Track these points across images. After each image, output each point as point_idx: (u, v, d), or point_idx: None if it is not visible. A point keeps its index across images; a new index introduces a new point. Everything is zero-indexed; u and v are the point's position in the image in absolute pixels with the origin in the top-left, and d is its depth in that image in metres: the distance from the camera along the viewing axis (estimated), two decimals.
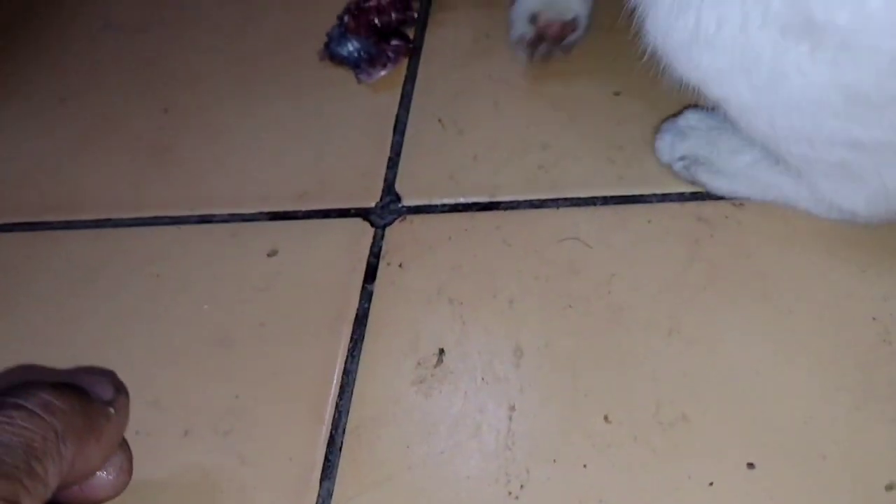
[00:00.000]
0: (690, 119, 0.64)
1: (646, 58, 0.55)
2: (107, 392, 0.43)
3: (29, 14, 0.99)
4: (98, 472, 0.43)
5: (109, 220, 0.76)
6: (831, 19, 0.43)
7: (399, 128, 0.77)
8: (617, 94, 0.73)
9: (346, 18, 0.80)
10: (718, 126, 0.62)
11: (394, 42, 0.81)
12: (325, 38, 0.84)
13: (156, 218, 0.75)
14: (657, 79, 0.71)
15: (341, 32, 0.81)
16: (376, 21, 0.81)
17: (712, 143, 0.62)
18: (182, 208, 0.75)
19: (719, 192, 0.63)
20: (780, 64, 0.46)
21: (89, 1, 0.99)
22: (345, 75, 0.81)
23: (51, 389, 0.38)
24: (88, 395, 0.42)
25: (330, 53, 0.81)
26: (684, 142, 0.63)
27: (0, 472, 0.33)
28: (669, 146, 0.64)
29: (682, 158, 0.63)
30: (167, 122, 0.83)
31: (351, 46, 0.80)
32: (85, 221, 0.76)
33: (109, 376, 0.47)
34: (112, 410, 0.43)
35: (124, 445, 0.45)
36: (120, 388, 0.45)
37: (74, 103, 0.88)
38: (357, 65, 0.80)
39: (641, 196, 0.66)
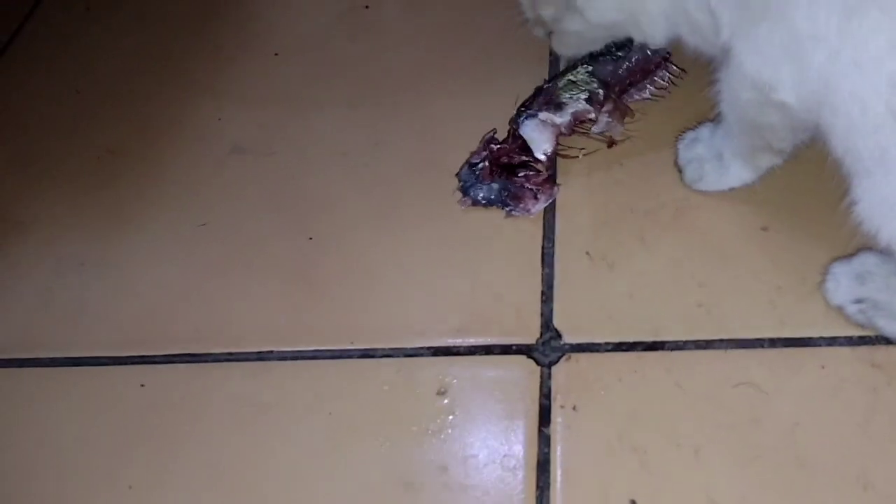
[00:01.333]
0: (868, 263, 0.67)
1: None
2: None
3: (150, 137, 1.02)
4: None
5: (272, 352, 0.78)
6: None
7: (547, 260, 0.79)
8: (765, 229, 0.76)
9: (480, 165, 0.83)
10: None
11: (522, 174, 0.84)
12: (453, 170, 0.87)
13: (317, 351, 0.77)
14: (802, 216, 0.75)
15: (476, 177, 0.84)
16: (504, 161, 0.85)
17: (892, 288, 0.64)
18: (342, 342, 0.77)
19: (894, 338, 0.65)
20: None
21: (212, 123, 1.02)
22: (481, 212, 0.84)
23: None
24: None
25: (473, 199, 0.84)
26: (863, 286, 0.66)
27: None
28: (845, 289, 0.67)
29: (858, 301, 0.66)
30: (311, 249, 0.86)
31: (491, 189, 0.83)
32: (247, 354, 0.78)
33: None
34: None
35: None
36: None
37: (213, 228, 0.91)
38: (504, 203, 0.83)
39: (809, 339, 0.68)
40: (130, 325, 0.82)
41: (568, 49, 0.86)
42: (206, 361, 0.79)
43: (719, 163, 0.77)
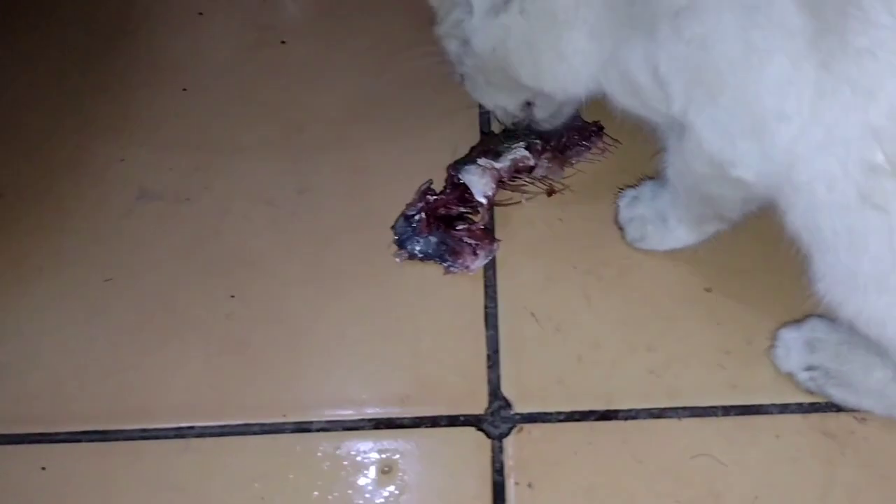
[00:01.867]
0: (817, 330, 0.67)
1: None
2: None
3: (46, 178, 0.91)
4: None
5: (192, 428, 0.71)
6: None
7: (490, 321, 0.76)
8: (708, 290, 0.76)
9: (416, 217, 0.80)
10: (848, 340, 0.65)
11: (461, 227, 0.81)
12: (387, 222, 0.82)
13: (244, 426, 0.71)
14: (745, 278, 0.75)
15: (413, 229, 0.80)
16: (442, 212, 0.81)
17: (843, 357, 0.65)
18: (273, 414, 0.71)
19: (844, 405, 0.66)
20: None
21: (114, 165, 0.92)
22: (418, 267, 0.80)
23: None
24: None
25: (409, 253, 0.80)
26: (813, 353, 0.66)
27: None
28: (796, 356, 0.67)
29: (809, 369, 0.66)
30: (234, 309, 0.79)
31: (429, 243, 0.79)
32: (163, 430, 0.71)
33: None
34: None
35: None
36: None
37: (121, 283, 0.82)
38: (443, 259, 0.79)
39: (761, 406, 0.68)
40: (28, 398, 0.73)
41: (478, 92, 0.81)
42: (115, 439, 0.71)
43: (663, 225, 0.76)
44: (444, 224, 0.81)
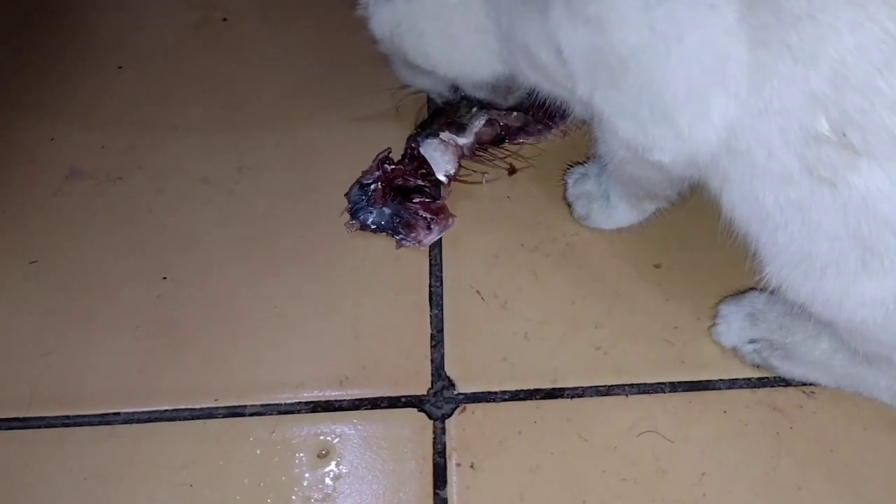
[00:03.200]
0: (758, 303, 0.65)
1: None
2: None
3: None
4: None
5: (118, 414, 0.67)
6: None
7: (435, 300, 0.73)
8: (657, 266, 0.74)
9: (373, 187, 0.77)
10: (788, 312, 0.63)
11: (417, 199, 0.78)
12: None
13: (174, 411, 0.67)
14: (694, 253, 0.73)
15: (368, 199, 0.77)
16: (399, 183, 0.79)
17: (786, 329, 0.63)
18: (205, 398, 0.68)
19: (791, 377, 0.64)
20: None
21: (44, 144, 0.88)
22: (365, 241, 0.77)
23: None
24: None
25: (361, 224, 0.77)
26: (755, 327, 0.64)
27: None
28: (738, 330, 0.65)
29: (752, 342, 0.64)
30: (166, 291, 0.76)
31: (383, 214, 0.76)
32: (90, 417, 0.67)
33: None
34: None
35: None
36: None
37: (47, 266, 0.78)
38: (395, 231, 0.76)
39: (709, 382, 0.66)
40: None
41: (401, 74, 0.79)
42: (37, 427, 0.67)
43: (606, 202, 0.74)
44: (400, 195, 0.78)
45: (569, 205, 0.78)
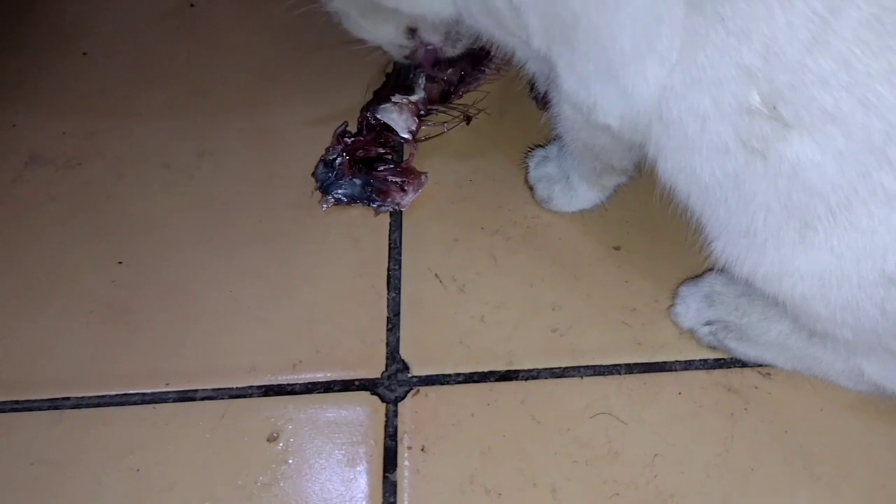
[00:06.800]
0: (716, 285, 0.64)
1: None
2: None
3: None
4: None
5: (67, 399, 0.66)
6: None
7: (393, 283, 0.72)
8: (617, 248, 0.73)
9: (338, 161, 0.76)
10: (745, 293, 0.62)
11: (382, 168, 0.78)
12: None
13: (125, 395, 0.66)
14: (654, 235, 0.72)
15: (336, 174, 0.76)
16: (361, 155, 0.78)
17: (742, 310, 0.62)
18: (155, 383, 0.67)
19: (746, 359, 0.63)
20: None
21: (5, 131, 0.87)
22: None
23: None
24: None
25: (334, 198, 0.76)
26: (711, 308, 0.63)
27: None
28: (695, 312, 0.64)
29: (708, 324, 0.63)
30: (120, 275, 0.75)
31: (353, 185, 0.76)
32: (36, 402, 0.66)
33: None
34: None
35: None
36: None
37: (4, 252, 0.77)
38: (370, 200, 0.76)
39: (665, 363, 0.65)
40: None
41: (356, 29, 0.75)
42: None
43: (567, 184, 0.73)
44: (366, 166, 0.78)
45: (530, 188, 0.77)
